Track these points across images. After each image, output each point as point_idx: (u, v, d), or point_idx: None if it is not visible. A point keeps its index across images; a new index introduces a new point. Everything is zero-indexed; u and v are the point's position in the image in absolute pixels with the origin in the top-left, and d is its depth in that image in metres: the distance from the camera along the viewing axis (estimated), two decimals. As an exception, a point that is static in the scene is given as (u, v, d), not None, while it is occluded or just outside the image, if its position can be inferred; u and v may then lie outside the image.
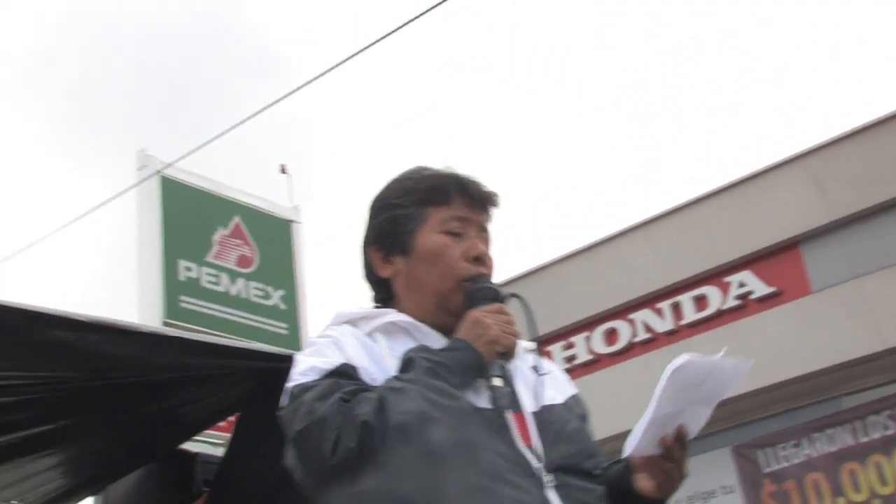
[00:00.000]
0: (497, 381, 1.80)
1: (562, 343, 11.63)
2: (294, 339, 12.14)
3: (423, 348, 1.83)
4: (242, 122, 9.47)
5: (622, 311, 11.29)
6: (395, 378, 1.76)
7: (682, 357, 1.71)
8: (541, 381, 1.94)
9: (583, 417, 1.99)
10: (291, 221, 12.97)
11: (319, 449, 1.68)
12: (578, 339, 11.53)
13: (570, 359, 11.51)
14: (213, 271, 11.84)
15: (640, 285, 11.14)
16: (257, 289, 12.17)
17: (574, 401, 2.01)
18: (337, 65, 8.43)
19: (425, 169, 2.06)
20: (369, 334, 1.91)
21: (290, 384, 1.82)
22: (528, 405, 1.87)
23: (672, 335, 10.91)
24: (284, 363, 3.10)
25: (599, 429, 2.23)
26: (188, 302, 11.37)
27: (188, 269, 11.57)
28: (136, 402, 3.37)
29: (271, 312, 12.15)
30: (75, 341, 2.78)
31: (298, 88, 8.93)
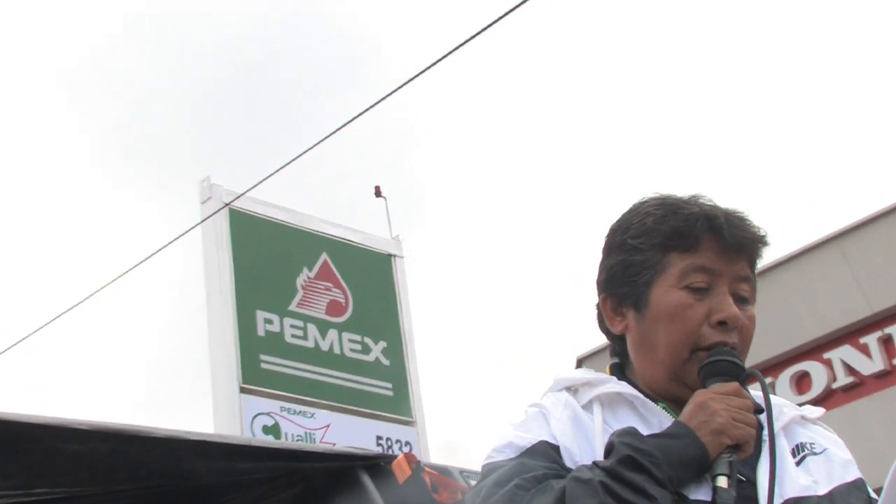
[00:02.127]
0: (721, 482, 1.81)
1: (738, 393, 11.34)
2: (401, 400, 12.16)
3: (629, 432, 1.87)
4: (326, 137, 9.52)
5: (815, 350, 11.05)
6: (587, 466, 1.83)
7: None
8: (804, 466, 1.96)
9: None
10: (391, 256, 13.04)
11: None
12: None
13: (751, 412, 11.23)
14: (298, 322, 11.98)
15: (837, 315, 10.87)
16: (353, 341, 12.26)
17: (848, 490, 1.96)
18: (434, 63, 8.38)
19: (673, 201, 2.06)
20: (588, 404, 2.00)
21: (483, 460, 1.96)
22: (765, 499, 1.85)
23: (883, 378, 10.59)
24: (331, 462, 3.26)
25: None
26: (270, 362, 11.51)
27: (268, 321, 11.74)
28: None
29: (372, 370, 12.22)
30: (86, 452, 3.08)
31: (391, 93, 8.93)
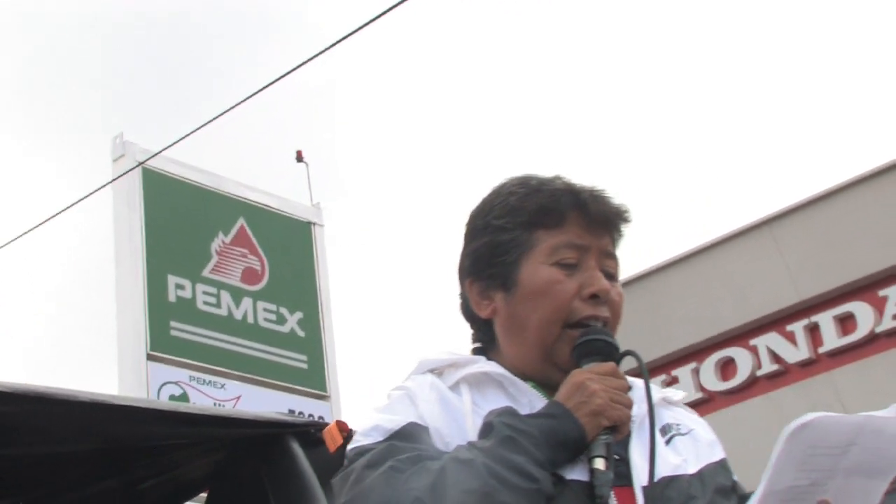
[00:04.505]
0: (599, 464, 1.85)
1: (661, 377, 11.45)
2: (316, 374, 12.15)
3: (507, 411, 1.90)
4: (246, 98, 9.47)
5: (741, 336, 11.16)
6: (465, 447, 1.84)
7: (806, 416, 1.73)
8: (673, 445, 2.02)
9: (724, 491, 2.01)
10: (311, 224, 12.98)
11: None
12: (683, 373, 11.40)
13: (674, 398, 11.36)
14: (211, 289, 11.88)
15: (764, 302, 10.97)
16: (268, 311, 12.19)
17: (716, 470, 2.03)
18: (359, 28, 8.38)
19: (535, 180, 2.10)
20: (455, 385, 2.00)
21: (349, 445, 1.95)
22: (641, 478, 1.92)
23: (808, 366, 10.77)
24: (258, 429, 3.28)
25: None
26: (180, 329, 11.42)
27: (180, 286, 11.63)
28: (85, 477, 3.68)
29: (286, 341, 12.17)
30: (6, 414, 3.06)
31: (317, 55, 8.90)
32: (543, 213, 2.03)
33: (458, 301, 2.16)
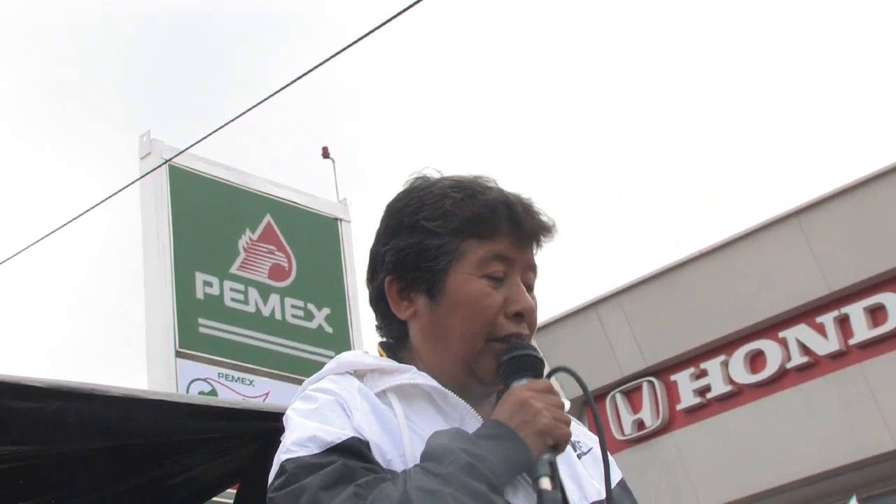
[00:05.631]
0: (545, 483, 1.84)
1: (690, 371, 11.44)
2: (344, 370, 12.17)
3: (459, 434, 1.86)
4: (272, 95, 9.50)
5: (770, 328, 11.08)
6: (425, 471, 1.79)
7: None
8: (582, 464, 2.04)
9: None
10: (338, 220, 13.01)
11: None
12: (712, 365, 11.34)
13: (703, 391, 11.34)
14: (239, 286, 11.92)
15: (793, 294, 10.91)
16: (296, 307, 12.22)
17: (621, 493, 2.07)
18: (388, 21, 8.38)
19: (469, 184, 2.06)
20: (382, 393, 1.96)
21: (282, 455, 1.87)
22: (573, 497, 1.96)
23: (838, 358, 10.69)
24: None
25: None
26: (208, 326, 11.47)
27: (207, 283, 11.68)
28: (113, 473, 3.67)
29: (314, 337, 12.20)
30: (38, 410, 3.09)
31: (341, 51, 8.92)
32: (478, 222, 2.00)
33: (369, 292, 2.12)
